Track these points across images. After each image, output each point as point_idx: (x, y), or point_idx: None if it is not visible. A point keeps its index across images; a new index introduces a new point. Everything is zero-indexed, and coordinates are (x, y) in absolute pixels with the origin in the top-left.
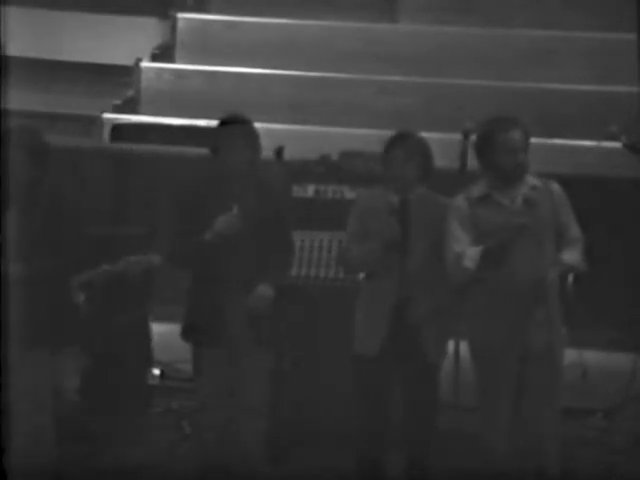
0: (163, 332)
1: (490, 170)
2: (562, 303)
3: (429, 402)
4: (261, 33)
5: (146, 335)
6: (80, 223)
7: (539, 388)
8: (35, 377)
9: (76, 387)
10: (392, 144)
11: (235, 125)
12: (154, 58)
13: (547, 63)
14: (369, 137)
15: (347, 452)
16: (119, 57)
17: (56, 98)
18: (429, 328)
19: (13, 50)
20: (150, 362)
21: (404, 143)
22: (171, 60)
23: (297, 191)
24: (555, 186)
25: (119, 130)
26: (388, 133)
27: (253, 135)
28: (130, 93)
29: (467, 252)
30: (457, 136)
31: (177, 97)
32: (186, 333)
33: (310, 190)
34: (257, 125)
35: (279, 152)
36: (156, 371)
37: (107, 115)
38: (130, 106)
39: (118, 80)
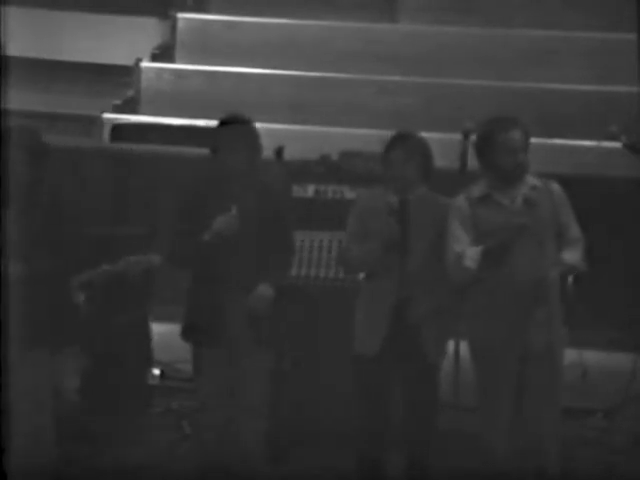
0: (163, 332)
1: (490, 170)
2: (562, 303)
3: (429, 402)
4: (261, 33)
5: (146, 335)
6: (80, 223)
7: (539, 388)
8: (35, 377)
9: (76, 387)
10: (392, 144)
11: (235, 125)
12: (154, 58)
13: (547, 63)
14: (369, 137)
15: (347, 452)
16: (119, 57)
17: (56, 98)
18: (429, 328)
19: (13, 50)
20: (150, 362)
21: (404, 143)
22: (171, 60)
23: (297, 191)
24: (555, 186)
25: (119, 130)
26: (388, 133)
27: (253, 135)
28: (130, 93)
29: (467, 252)
30: (457, 136)
31: (177, 97)
32: (186, 333)
33: (310, 190)
34: (257, 125)
35: (279, 152)
36: (156, 371)
37: (107, 115)
38: (130, 106)
39: (118, 80)
